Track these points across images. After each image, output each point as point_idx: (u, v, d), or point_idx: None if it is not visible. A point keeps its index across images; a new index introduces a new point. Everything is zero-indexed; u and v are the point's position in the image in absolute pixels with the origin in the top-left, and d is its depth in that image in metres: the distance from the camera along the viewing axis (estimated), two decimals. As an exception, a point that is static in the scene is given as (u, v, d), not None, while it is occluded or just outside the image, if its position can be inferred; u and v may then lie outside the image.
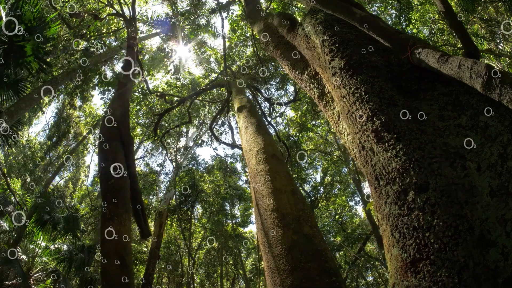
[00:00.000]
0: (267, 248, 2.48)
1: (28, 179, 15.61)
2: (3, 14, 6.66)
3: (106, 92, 12.70)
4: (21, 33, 6.60)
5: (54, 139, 13.58)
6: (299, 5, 9.56)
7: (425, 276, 1.08)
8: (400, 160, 1.37)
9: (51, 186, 16.70)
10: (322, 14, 2.64)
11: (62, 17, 10.29)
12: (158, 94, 10.29)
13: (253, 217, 19.03)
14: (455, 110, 1.59)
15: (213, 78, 13.91)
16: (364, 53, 2.01)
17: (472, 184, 1.26)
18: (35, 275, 12.36)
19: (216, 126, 11.81)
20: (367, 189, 18.45)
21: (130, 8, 6.77)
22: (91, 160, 20.07)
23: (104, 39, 11.20)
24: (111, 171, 3.18)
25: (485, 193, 1.23)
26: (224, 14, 10.55)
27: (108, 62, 14.99)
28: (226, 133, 12.74)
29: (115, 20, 12.25)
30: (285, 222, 2.54)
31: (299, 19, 4.17)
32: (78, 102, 15.62)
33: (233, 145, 9.52)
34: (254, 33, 11.60)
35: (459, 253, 1.08)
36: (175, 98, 11.94)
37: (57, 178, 17.72)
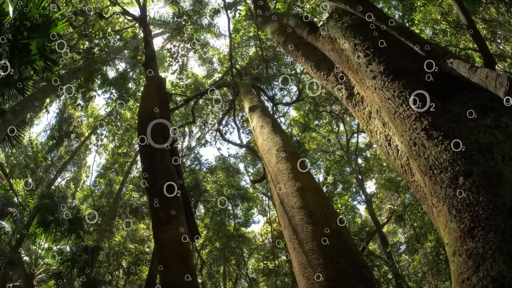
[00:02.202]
0: (297, 244, 2.54)
1: (30, 180, 15.51)
2: (11, 10, 6.53)
3: (110, 92, 12.65)
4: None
5: (61, 133, 13.46)
6: (307, 6, 9.63)
7: (480, 239, 1.42)
8: (449, 153, 1.70)
9: (52, 187, 16.61)
10: (347, 18, 2.75)
11: (66, 16, 10.23)
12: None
13: (255, 217, 19.08)
14: (481, 113, 1.87)
15: (217, 78, 13.94)
16: (398, 58, 2.22)
17: (500, 171, 1.58)
18: (38, 276, 12.29)
19: (219, 126, 11.85)
20: (369, 189, 18.57)
21: (142, 5, 6.77)
22: (94, 160, 19.94)
23: (109, 38, 11.16)
24: (160, 171, 3.09)
25: (509, 178, 1.55)
26: (231, 14, 10.55)
27: (110, 62, 14.95)
28: (230, 133, 12.78)
29: (119, 19, 12.23)
30: (314, 219, 2.60)
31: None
32: (80, 102, 15.55)
33: (241, 145, 9.53)
34: (260, 33, 11.65)
35: (499, 220, 1.42)
36: (178, 98, 11.93)
37: (58, 179, 17.63)
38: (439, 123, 1.81)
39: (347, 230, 2.64)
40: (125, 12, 8.44)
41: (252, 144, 11.11)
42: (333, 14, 3.01)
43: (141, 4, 6.58)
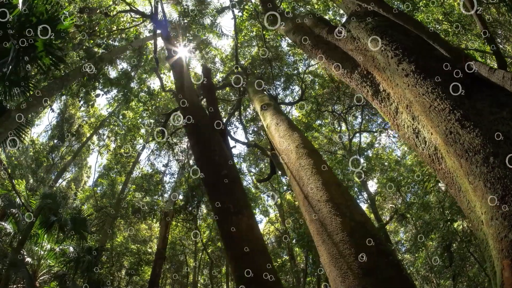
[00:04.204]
0: (326, 236, 2.62)
1: (31, 180, 15.43)
2: (20, 1, 6.41)
3: (117, 91, 12.64)
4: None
5: (64, 133, 13.38)
6: (316, 6, 9.72)
7: (511, 203, 1.70)
8: (479, 139, 2.00)
9: (53, 187, 16.51)
10: (370, 19, 2.89)
11: (72, 13, 10.18)
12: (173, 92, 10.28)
13: (257, 217, 19.13)
14: (498, 107, 2.15)
15: (220, 78, 13.99)
16: (425, 58, 2.48)
17: None
18: (41, 278, 12.20)
19: (227, 126, 11.89)
20: (370, 189, 18.70)
21: (155, 1, 6.82)
22: (96, 160, 19.93)
23: (114, 36, 11.16)
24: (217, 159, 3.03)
25: None
26: (237, 14, 10.61)
27: (113, 62, 14.92)
28: (234, 133, 12.82)
29: (123, 17, 12.23)
30: (341, 211, 2.68)
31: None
32: (81, 102, 15.50)
33: (249, 144, 9.56)
34: (264, 33, 11.72)
35: None
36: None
37: (59, 179, 17.54)
38: (469, 115, 2.12)
39: (371, 221, 2.74)
40: (136, 11, 8.45)
41: (259, 143, 11.17)
42: (355, 15, 3.11)
43: (154, 1, 6.64)
